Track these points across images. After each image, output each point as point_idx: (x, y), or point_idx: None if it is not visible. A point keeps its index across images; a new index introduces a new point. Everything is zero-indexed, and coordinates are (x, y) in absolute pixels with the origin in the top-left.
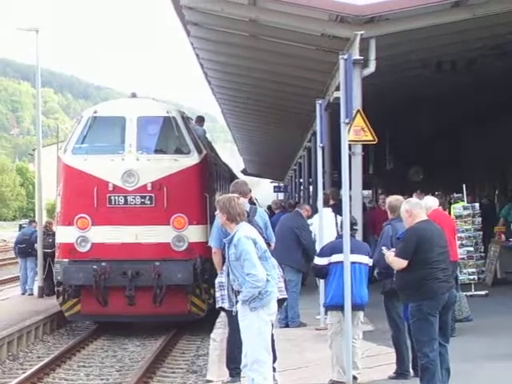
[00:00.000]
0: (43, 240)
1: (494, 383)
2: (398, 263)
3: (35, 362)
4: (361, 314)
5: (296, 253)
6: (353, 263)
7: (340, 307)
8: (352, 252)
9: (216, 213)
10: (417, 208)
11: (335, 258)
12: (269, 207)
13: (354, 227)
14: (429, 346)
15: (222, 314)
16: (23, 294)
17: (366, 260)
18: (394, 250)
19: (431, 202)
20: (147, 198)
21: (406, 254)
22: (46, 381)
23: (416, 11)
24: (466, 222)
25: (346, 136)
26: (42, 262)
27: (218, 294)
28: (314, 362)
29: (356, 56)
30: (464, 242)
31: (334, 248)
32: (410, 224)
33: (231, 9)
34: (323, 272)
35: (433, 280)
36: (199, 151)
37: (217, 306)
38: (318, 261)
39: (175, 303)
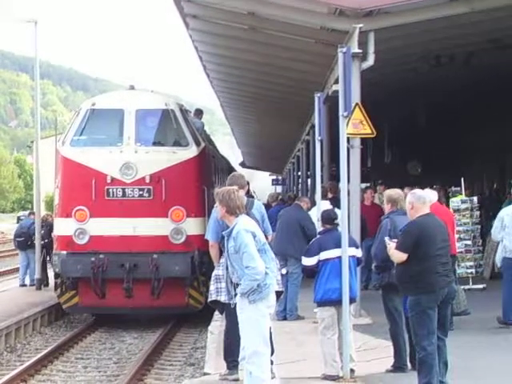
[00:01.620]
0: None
1: (492, 377)
2: (398, 256)
3: (33, 354)
4: (351, 306)
5: (301, 244)
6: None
7: (332, 302)
8: (338, 246)
9: (215, 205)
10: (420, 201)
11: (324, 255)
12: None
13: (335, 221)
14: (427, 339)
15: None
16: (22, 285)
17: (354, 251)
18: (395, 240)
19: (431, 195)
20: (145, 190)
21: (405, 248)
22: (44, 373)
23: (415, 5)
24: (464, 215)
25: (345, 129)
26: (40, 254)
27: (212, 287)
28: (312, 355)
29: (355, 49)
30: (462, 235)
31: (321, 245)
32: (413, 217)
33: (230, 1)
34: (314, 272)
35: (432, 274)
36: (197, 144)
37: (208, 300)
38: (307, 261)
39: (173, 296)
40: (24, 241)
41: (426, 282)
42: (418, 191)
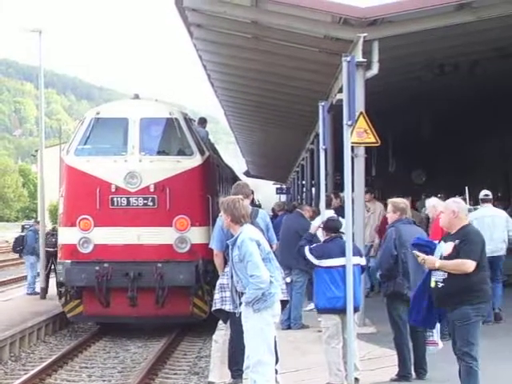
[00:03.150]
0: (47, 239)
1: (498, 381)
2: (472, 265)
3: (37, 363)
4: (356, 315)
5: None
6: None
7: (336, 310)
8: (343, 254)
9: (220, 214)
10: (464, 212)
11: (326, 262)
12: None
13: (340, 230)
14: (477, 349)
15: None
16: (28, 293)
17: (358, 260)
18: (419, 253)
19: (440, 204)
20: (150, 199)
21: (476, 256)
22: (48, 382)
23: (419, 13)
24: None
25: (349, 138)
26: (44, 263)
27: (217, 296)
28: (316, 364)
29: (359, 58)
30: None
31: (324, 253)
32: (452, 225)
33: (234, 11)
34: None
35: (486, 283)
36: (202, 153)
37: (212, 309)
38: (310, 257)
39: (177, 305)
40: (14, 246)
41: (485, 292)
42: (461, 200)
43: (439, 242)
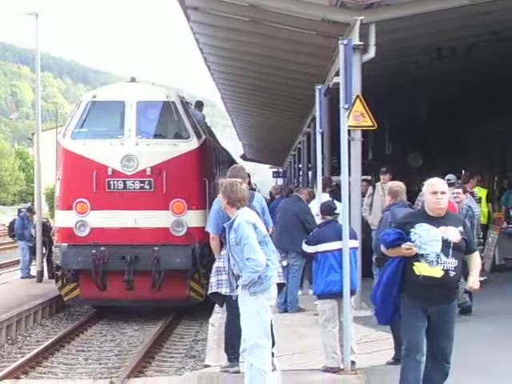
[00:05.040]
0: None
1: (494, 369)
2: None
3: (34, 346)
4: (352, 298)
5: (301, 237)
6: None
7: (333, 294)
8: (339, 238)
9: (218, 196)
10: None
11: (321, 247)
12: (270, 193)
13: (335, 212)
14: None
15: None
16: (22, 277)
17: (353, 243)
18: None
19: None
20: (146, 182)
21: None
22: (45, 365)
23: None
24: None
25: (346, 121)
26: (41, 247)
27: (213, 279)
28: (312, 347)
29: (356, 41)
30: None
31: (320, 237)
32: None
33: None
34: (313, 258)
35: None
36: (198, 136)
37: (209, 292)
38: (306, 248)
39: (174, 288)
40: (8, 230)
41: None
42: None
43: (410, 227)
